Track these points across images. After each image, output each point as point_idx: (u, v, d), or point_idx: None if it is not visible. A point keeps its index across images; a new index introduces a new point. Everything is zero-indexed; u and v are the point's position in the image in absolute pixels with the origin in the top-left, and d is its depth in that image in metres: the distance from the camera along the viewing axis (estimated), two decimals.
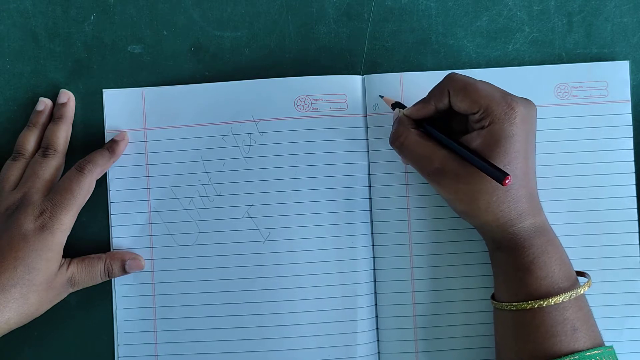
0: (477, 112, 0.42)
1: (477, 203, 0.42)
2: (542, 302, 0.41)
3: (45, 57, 0.51)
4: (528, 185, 0.42)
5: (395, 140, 0.45)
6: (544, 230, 0.43)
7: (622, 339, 0.48)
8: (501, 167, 0.41)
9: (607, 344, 0.42)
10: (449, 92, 0.43)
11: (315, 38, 0.51)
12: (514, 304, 0.42)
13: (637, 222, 0.49)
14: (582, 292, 0.42)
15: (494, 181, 0.40)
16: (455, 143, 0.43)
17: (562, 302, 0.41)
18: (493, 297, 0.45)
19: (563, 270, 0.42)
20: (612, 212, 0.49)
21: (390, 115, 0.49)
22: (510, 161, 0.41)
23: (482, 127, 0.42)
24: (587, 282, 0.42)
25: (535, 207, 0.43)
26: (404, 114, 0.46)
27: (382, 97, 0.49)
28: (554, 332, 0.40)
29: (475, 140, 0.42)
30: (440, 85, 0.44)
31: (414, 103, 0.46)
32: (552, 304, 0.40)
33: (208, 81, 0.50)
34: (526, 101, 0.43)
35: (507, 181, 0.39)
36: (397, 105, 0.47)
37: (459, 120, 0.45)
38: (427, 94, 0.45)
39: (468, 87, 0.42)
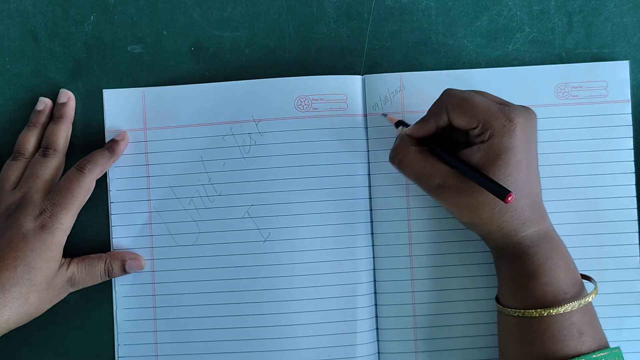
0: (476, 127, 0.42)
1: (480, 215, 0.42)
2: (551, 310, 0.40)
3: (45, 57, 0.51)
4: (530, 194, 0.42)
5: (395, 158, 0.45)
6: (549, 237, 0.43)
7: (622, 339, 0.48)
8: (502, 179, 0.40)
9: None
10: (447, 109, 0.43)
11: (315, 38, 0.51)
12: (520, 310, 0.41)
13: (637, 222, 0.49)
14: (589, 299, 0.41)
15: None
16: (457, 160, 0.42)
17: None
18: (497, 299, 0.45)
19: (569, 276, 0.42)
20: (612, 212, 0.49)
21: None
22: (511, 173, 0.41)
23: (482, 141, 0.42)
24: (594, 290, 0.42)
25: (539, 215, 0.43)
26: (405, 133, 0.45)
27: (385, 115, 0.49)
28: (561, 336, 0.40)
29: (475, 154, 0.42)
30: (438, 102, 0.43)
31: (415, 122, 0.45)
32: (562, 312, 0.40)
33: (208, 81, 0.50)
34: (525, 110, 0.42)
35: (509, 198, 0.38)
36: (400, 123, 0.47)
37: (461, 133, 0.45)
38: (426, 110, 0.44)
39: (465, 103, 0.42)
